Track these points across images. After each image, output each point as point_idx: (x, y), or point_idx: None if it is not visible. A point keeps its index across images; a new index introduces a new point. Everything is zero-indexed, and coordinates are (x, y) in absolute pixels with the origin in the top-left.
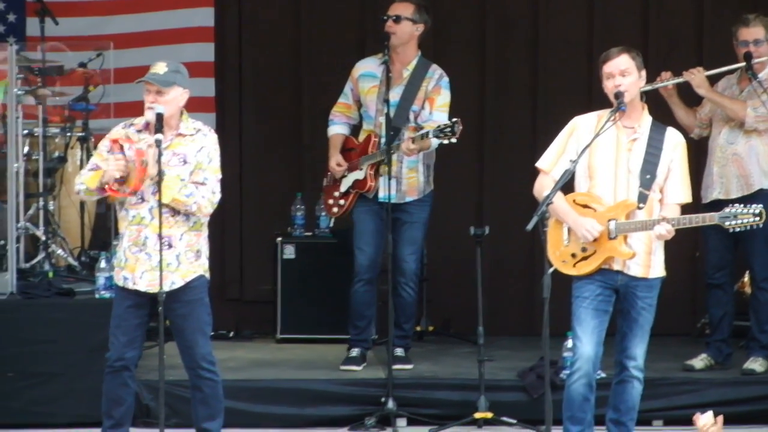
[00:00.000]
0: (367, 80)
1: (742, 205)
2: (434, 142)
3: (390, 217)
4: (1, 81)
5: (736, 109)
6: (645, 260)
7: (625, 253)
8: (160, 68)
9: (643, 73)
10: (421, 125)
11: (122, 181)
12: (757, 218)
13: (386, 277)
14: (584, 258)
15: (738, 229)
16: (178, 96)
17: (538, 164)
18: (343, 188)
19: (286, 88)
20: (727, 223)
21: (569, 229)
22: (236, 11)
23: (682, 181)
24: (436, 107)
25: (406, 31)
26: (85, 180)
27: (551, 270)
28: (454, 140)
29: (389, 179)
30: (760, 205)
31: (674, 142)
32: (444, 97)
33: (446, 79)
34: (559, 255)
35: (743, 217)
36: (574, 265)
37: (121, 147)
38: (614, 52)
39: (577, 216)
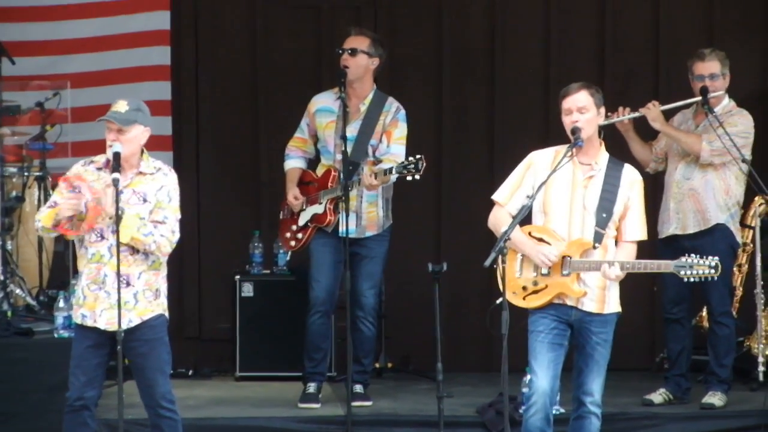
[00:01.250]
0: (325, 115)
1: (698, 256)
2: (395, 177)
3: (348, 252)
4: None
5: (691, 143)
6: (599, 296)
7: (576, 291)
8: (122, 106)
9: (602, 110)
10: (379, 159)
11: (74, 219)
12: (713, 271)
13: (344, 313)
14: (535, 292)
15: (693, 279)
16: (139, 134)
17: (494, 197)
18: (301, 222)
19: (243, 126)
20: (682, 273)
21: (522, 261)
22: (193, 49)
23: (639, 219)
24: (394, 140)
25: (361, 64)
26: (41, 217)
27: (499, 301)
28: (417, 177)
29: (347, 214)
30: (716, 258)
31: (631, 180)
32: (401, 130)
33: (403, 111)
34: (510, 287)
35: (699, 268)
36: (524, 298)
37: (73, 186)
38: (573, 88)
39: (534, 244)
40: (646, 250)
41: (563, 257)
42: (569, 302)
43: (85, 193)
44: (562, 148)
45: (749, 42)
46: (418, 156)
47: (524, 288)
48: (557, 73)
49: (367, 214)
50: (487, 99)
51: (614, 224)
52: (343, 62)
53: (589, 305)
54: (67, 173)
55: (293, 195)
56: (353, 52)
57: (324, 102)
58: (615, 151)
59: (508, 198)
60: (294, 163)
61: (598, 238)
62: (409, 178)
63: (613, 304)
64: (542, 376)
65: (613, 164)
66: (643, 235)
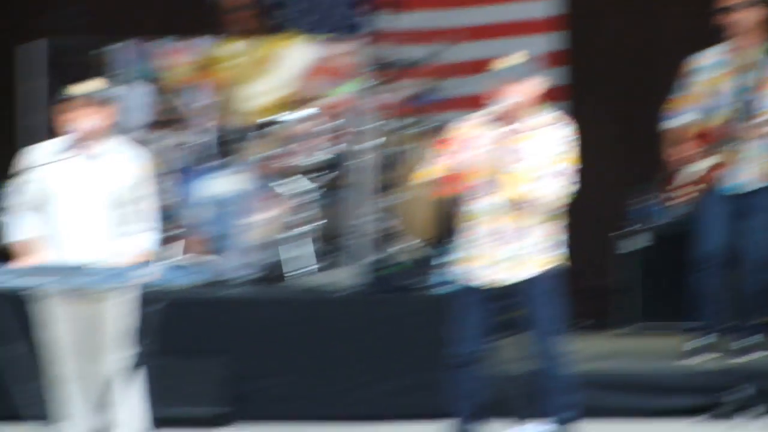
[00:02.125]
0: (709, 70)
1: None
2: None
3: (740, 204)
4: (352, 77)
5: None
6: None
7: None
8: (512, 60)
9: None
10: None
11: (456, 176)
12: None
13: (735, 268)
14: None
15: None
16: (530, 87)
17: None
18: (689, 178)
19: (638, 80)
20: None
21: None
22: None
23: None
24: None
25: (749, 17)
26: (424, 173)
27: None
28: None
29: (739, 166)
30: None
31: None
32: None
33: None
34: None
35: None
36: None
37: (456, 142)
38: None
39: None
40: None
41: None
42: None
43: (468, 149)
44: None
45: None
46: None
47: None
48: None
49: (760, 164)
50: None
51: None
52: (730, 17)
53: None
54: (450, 129)
55: (681, 150)
56: (741, 5)
57: (708, 58)
58: None
59: None
60: (681, 119)
61: None
62: None
63: None
64: None
65: None
66: None
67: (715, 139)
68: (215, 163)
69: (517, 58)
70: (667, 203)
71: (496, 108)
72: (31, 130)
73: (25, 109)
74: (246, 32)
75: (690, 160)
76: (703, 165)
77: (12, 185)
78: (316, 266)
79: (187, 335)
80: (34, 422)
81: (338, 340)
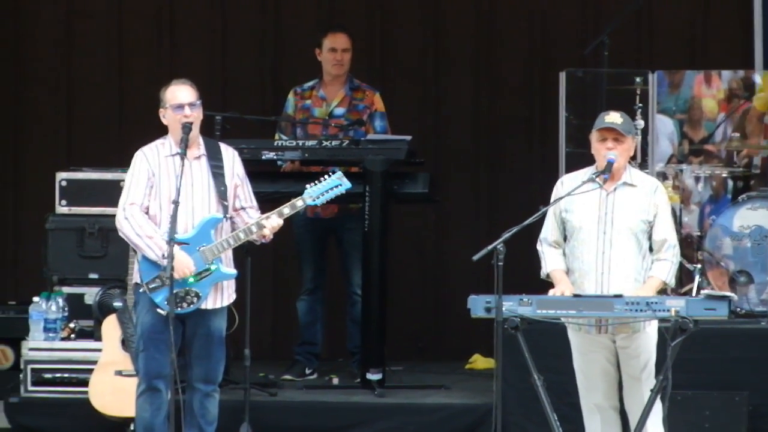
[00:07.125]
0: None
1: None
2: None
3: None
4: None
5: None
6: None
7: None
8: None
9: None
10: None
11: None
12: None
13: None
14: None
15: None
16: None
17: None
18: None
19: None
20: None
21: None
22: None
23: None
24: None
25: None
26: None
27: None
28: None
29: None
30: None
31: None
32: None
33: None
34: None
35: None
36: None
37: None
38: None
39: None
40: None
41: None
42: None
43: None
44: None
45: None
46: None
47: None
48: None
49: None
50: None
51: None
52: None
53: None
54: None
55: None
56: None
57: None
58: None
59: None
60: None
61: None
62: None
63: None
64: None
65: None
66: None
67: None
68: (742, 195)
69: None
70: None
71: None
72: (555, 160)
73: (547, 140)
74: None
75: None
76: None
77: (541, 215)
78: None
79: (708, 368)
80: None
81: None
